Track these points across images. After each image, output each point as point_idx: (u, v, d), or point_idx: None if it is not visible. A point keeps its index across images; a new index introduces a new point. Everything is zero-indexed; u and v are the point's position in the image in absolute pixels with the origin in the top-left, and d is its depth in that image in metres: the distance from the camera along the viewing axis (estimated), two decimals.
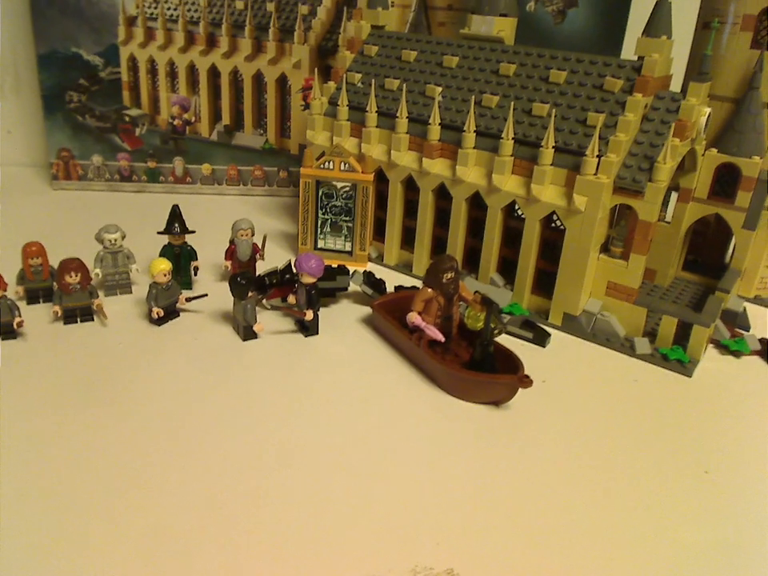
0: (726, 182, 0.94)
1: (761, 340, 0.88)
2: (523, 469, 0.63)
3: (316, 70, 1.09)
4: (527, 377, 0.69)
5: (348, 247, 1.05)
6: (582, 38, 1.28)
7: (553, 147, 0.85)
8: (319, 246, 1.06)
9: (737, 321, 0.92)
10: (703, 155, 0.93)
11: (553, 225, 0.90)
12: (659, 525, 0.58)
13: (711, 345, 0.88)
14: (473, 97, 0.92)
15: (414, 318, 0.77)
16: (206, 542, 0.53)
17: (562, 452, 0.66)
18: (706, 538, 0.57)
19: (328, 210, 1.04)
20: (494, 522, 0.57)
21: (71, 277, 0.81)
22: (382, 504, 0.58)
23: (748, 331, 0.92)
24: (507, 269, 0.95)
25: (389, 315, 0.82)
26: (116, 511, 0.56)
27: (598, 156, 0.81)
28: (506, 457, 0.65)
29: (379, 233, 1.07)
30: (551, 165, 0.85)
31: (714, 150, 0.93)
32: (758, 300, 1.02)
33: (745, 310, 0.94)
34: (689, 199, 0.95)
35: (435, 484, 0.61)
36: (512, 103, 0.88)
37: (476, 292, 0.77)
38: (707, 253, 1.05)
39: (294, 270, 0.84)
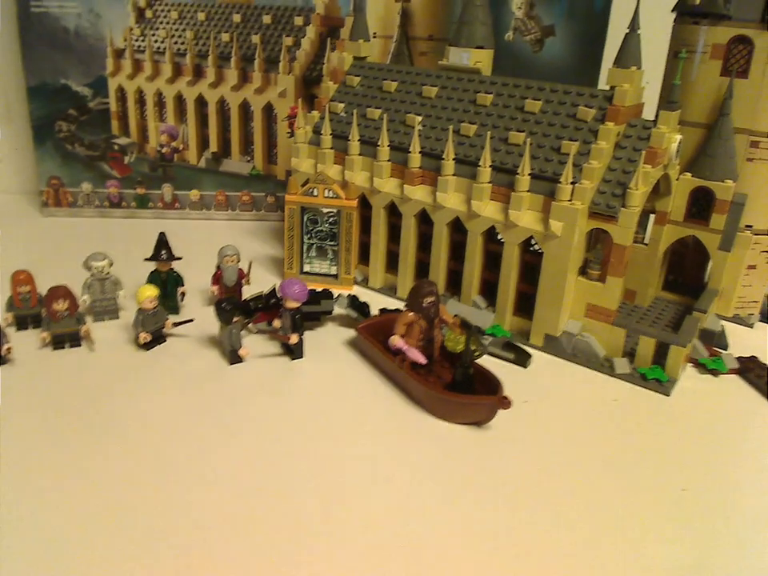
0: (701, 204, 0.97)
1: (738, 359, 0.90)
2: (503, 488, 0.65)
3: (300, 99, 1.12)
4: (506, 398, 0.70)
5: (334, 271, 1.07)
6: (560, 65, 1.32)
7: (529, 174, 0.87)
8: (305, 270, 1.08)
9: (715, 340, 0.95)
10: (678, 179, 0.96)
11: (531, 248, 0.92)
12: (636, 542, 0.59)
13: (690, 364, 0.90)
14: (451, 126, 0.95)
15: (396, 341, 0.79)
16: (193, 566, 0.54)
17: (542, 471, 0.67)
18: (682, 553, 0.58)
19: (313, 235, 1.06)
20: (472, 544, 0.58)
21: (59, 304, 0.83)
22: (360, 527, 0.59)
23: (726, 350, 0.94)
24: (489, 291, 0.97)
25: (373, 338, 0.84)
26: (104, 534, 0.56)
27: (572, 183, 0.84)
28: (487, 477, 0.66)
29: (364, 256, 1.09)
30: (528, 191, 0.88)
31: (689, 175, 0.96)
32: (736, 319, 1.05)
33: (723, 329, 0.97)
34: (665, 222, 0.98)
35: (415, 503, 0.62)
36: (489, 132, 0.91)
37: (455, 315, 0.79)
38: (687, 273, 1.07)
39: (279, 295, 0.86)
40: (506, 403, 0.70)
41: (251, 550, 0.56)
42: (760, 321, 1.04)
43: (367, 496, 0.63)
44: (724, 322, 1.00)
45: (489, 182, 0.91)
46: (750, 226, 1.01)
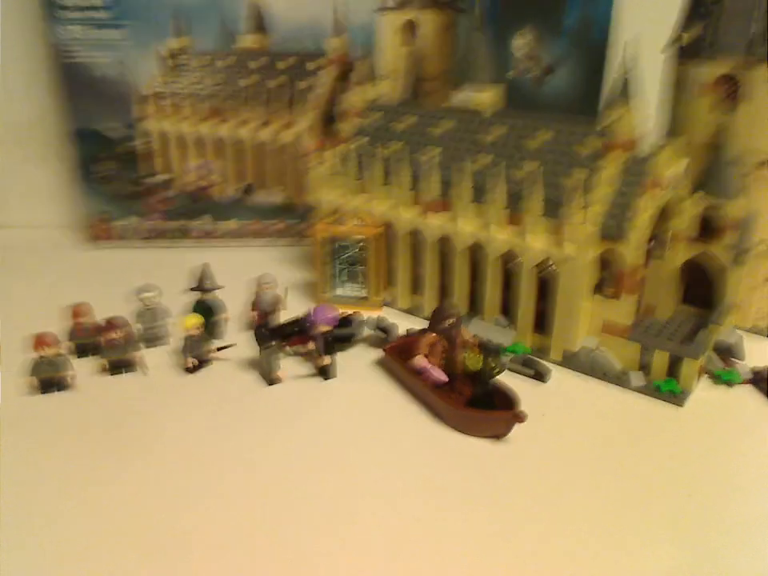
0: (711, 222, 1.01)
1: (752, 369, 0.93)
2: (518, 496, 0.70)
3: (320, 136, 1.20)
4: (522, 412, 0.75)
5: (363, 293, 1.14)
6: (563, 98, 1.36)
7: (542, 200, 0.93)
8: (337, 294, 1.15)
9: (731, 351, 0.98)
10: (690, 199, 1.00)
11: (548, 269, 0.97)
12: (640, 543, 0.64)
13: (706, 375, 0.94)
14: (469, 156, 1.01)
15: (419, 361, 0.85)
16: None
17: (557, 479, 0.73)
18: (682, 554, 0.63)
19: (343, 260, 1.13)
20: (492, 547, 0.64)
21: (115, 333, 0.92)
22: (383, 533, 0.65)
23: (742, 361, 0.97)
24: (511, 310, 1.02)
25: (399, 358, 0.90)
26: (149, 544, 0.64)
27: (583, 207, 0.89)
28: (504, 486, 0.71)
29: (391, 279, 1.15)
30: (542, 216, 0.93)
31: (700, 194, 1.00)
32: (754, 329, 1.07)
33: (740, 340, 0.99)
34: (680, 239, 1.02)
35: (435, 511, 0.68)
36: (502, 161, 0.97)
37: (473, 335, 0.85)
38: (706, 286, 1.10)
39: (312, 320, 0.93)
40: (520, 417, 0.75)
41: (283, 554, 0.63)
42: None
43: (392, 504, 0.69)
44: (742, 333, 1.03)
45: (505, 208, 0.97)
46: (763, 241, 1.03)
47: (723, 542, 0.64)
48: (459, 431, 0.80)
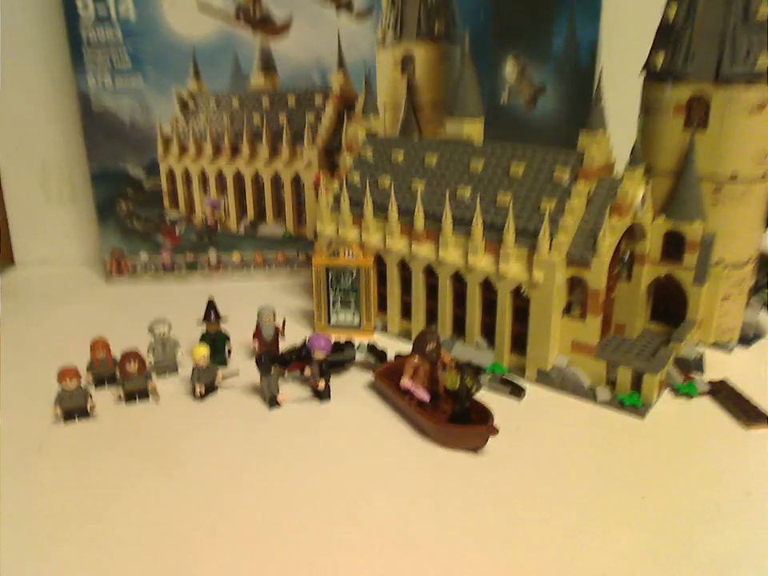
0: (675, 244, 1.10)
1: (709, 382, 1.02)
2: (495, 498, 0.79)
3: (322, 170, 1.30)
4: (494, 426, 0.84)
5: (357, 321, 1.23)
6: (552, 120, 1.47)
7: (514, 231, 1.02)
8: (332, 322, 1.24)
9: (692, 365, 1.06)
10: (652, 223, 1.09)
11: (522, 295, 1.06)
12: (599, 535, 0.73)
13: (668, 389, 1.02)
14: (449, 190, 1.11)
15: (405, 382, 0.94)
16: None
17: (530, 484, 0.81)
18: (635, 545, 0.72)
19: (338, 290, 1.23)
20: (469, 545, 0.72)
21: (131, 365, 1.01)
22: (371, 537, 0.74)
23: (703, 374, 1.05)
24: (489, 332, 1.11)
25: (388, 380, 1.00)
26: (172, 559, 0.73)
27: (550, 237, 0.98)
28: (481, 491, 0.80)
29: (383, 306, 1.24)
30: (514, 246, 1.02)
31: (661, 219, 1.09)
32: (717, 344, 1.16)
33: (702, 355, 1.08)
34: (644, 261, 1.11)
35: (416, 516, 0.77)
36: (478, 195, 1.07)
37: (451, 358, 0.94)
38: (672, 305, 1.19)
39: (308, 347, 1.02)
40: (493, 431, 0.84)
41: (288, 552, 0.72)
42: (738, 345, 1.15)
43: (380, 512, 0.78)
44: (705, 349, 1.11)
45: (481, 239, 1.06)
46: (721, 261, 1.12)
47: (671, 535, 0.73)
48: (441, 445, 0.88)
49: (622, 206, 0.98)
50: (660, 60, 1.08)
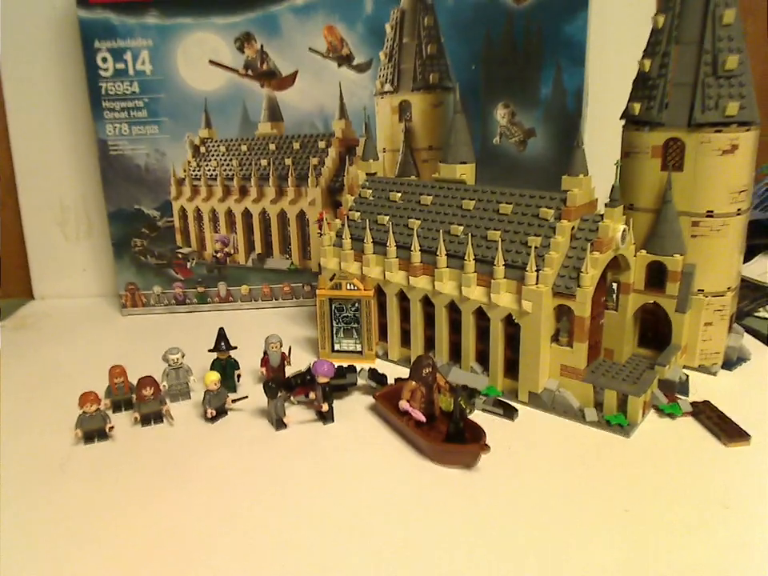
0: (658, 275, 1.18)
1: (692, 403, 1.08)
2: (488, 513, 0.84)
3: (325, 208, 1.39)
4: (486, 445, 0.91)
5: (359, 348, 1.30)
6: (542, 160, 1.56)
7: (504, 264, 1.10)
8: (336, 349, 1.31)
9: (677, 388, 1.12)
10: (635, 256, 1.17)
11: (513, 322, 1.13)
12: (584, 546, 0.78)
13: (653, 410, 1.08)
14: (443, 227, 1.19)
15: (403, 404, 1.00)
16: None
17: (521, 500, 0.87)
18: (619, 555, 0.77)
19: (341, 319, 1.30)
20: (462, 553, 0.78)
21: (146, 390, 1.08)
22: (370, 552, 0.80)
23: (687, 396, 1.12)
24: (484, 358, 1.18)
25: (388, 403, 1.06)
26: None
27: (537, 270, 1.06)
28: (472, 506, 0.86)
29: (383, 334, 1.32)
30: (504, 278, 1.10)
31: (644, 251, 1.17)
32: (701, 369, 1.22)
33: (686, 378, 1.14)
34: (629, 291, 1.18)
35: (413, 530, 0.82)
36: (470, 232, 1.15)
37: (446, 381, 1.01)
38: (660, 331, 1.26)
39: (313, 372, 1.09)
40: (485, 449, 0.90)
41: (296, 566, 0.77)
42: (722, 369, 1.22)
43: (379, 524, 0.83)
44: (690, 372, 1.17)
45: (474, 272, 1.14)
46: (702, 290, 1.19)
47: (653, 546, 0.79)
48: (436, 462, 0.94)
49: (603, 241, 1.06)
50: (637, 108, 1.17)
